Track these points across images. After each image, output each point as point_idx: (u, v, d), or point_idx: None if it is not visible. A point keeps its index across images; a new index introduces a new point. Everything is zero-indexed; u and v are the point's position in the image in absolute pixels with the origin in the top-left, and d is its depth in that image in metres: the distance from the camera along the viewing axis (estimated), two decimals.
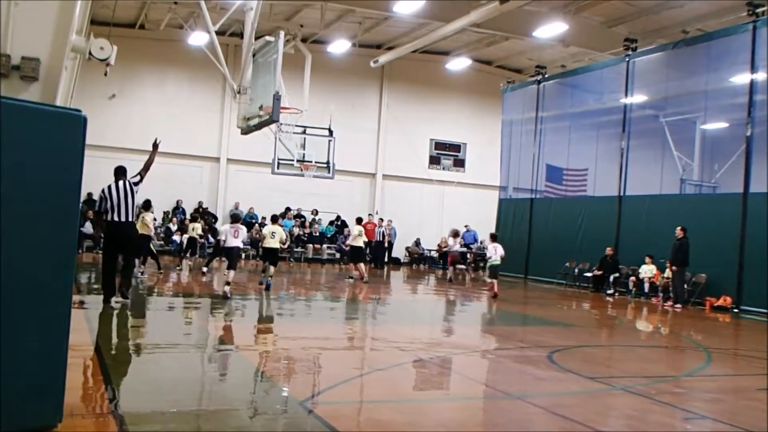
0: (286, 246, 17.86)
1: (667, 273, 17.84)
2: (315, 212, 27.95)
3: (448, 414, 5.99)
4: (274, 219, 16.53)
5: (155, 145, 11.14)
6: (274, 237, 14.76)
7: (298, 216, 28.03)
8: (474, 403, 6.52)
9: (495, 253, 16.76)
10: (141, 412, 5.20)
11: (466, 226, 29.08)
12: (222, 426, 5.03)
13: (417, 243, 29.73)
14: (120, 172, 10.93)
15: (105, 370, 6.43)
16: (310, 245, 27.09)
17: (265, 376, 7.06)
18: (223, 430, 4.94)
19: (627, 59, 21.23)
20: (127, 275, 11.29)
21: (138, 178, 10.90)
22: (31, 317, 4.21)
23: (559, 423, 5.60)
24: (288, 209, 27.58)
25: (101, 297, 10.70)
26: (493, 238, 17.76)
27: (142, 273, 15.95)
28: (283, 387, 6.53)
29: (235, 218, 14.65)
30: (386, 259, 27.85)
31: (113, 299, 10.68)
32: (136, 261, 14.35)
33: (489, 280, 17.47)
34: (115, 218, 10.61)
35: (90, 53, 7.50)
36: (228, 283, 12.95)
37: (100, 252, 22.69)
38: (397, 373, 7.42)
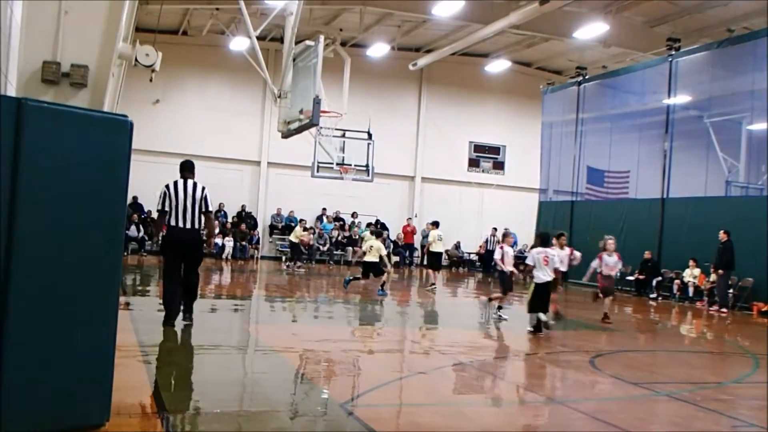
0: (386, 257, 17.08)
1: (713, 277, 17.51)
2: (354, 215, 28.04)
3: (487, 418, 5.97)
4: (377, 234, 17.44)
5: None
6: (371, 250, 15.52)
7: (337, 219, 28.17)
8: (515, 408, 6.49)
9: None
10: (185, 412, 5.30)
11: (505, 230, 28.88)
12: (263, 426, 5.09)
13: (457, 246, 29.59)
14: (186, 168, 9.08)
15: (150, 371, 6.56)
16: (350, 248, 27.17)
17: (305, 377, 7.12)
18: (264, 431, 5.01)
19: (670, 59, 20.86)
20: (190, 292, 9.18)
21: (211, 207, 9.21)
22: (80, 318, 4.32)
23: (602, 429, 5.54)
24: (324, 210, 27.78)
25: (161, 314, 9.03)
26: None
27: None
28: (324, 389, 6.58)
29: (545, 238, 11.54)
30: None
31: (180, 320, 9.00)
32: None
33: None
34: (179, 224, 8.70)
35: (136, 60, 7.69)
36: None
37: (145, 254, 23.38)
38: (438, 376, 7.42)
